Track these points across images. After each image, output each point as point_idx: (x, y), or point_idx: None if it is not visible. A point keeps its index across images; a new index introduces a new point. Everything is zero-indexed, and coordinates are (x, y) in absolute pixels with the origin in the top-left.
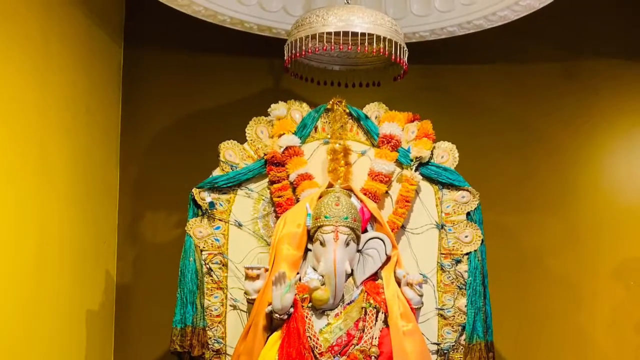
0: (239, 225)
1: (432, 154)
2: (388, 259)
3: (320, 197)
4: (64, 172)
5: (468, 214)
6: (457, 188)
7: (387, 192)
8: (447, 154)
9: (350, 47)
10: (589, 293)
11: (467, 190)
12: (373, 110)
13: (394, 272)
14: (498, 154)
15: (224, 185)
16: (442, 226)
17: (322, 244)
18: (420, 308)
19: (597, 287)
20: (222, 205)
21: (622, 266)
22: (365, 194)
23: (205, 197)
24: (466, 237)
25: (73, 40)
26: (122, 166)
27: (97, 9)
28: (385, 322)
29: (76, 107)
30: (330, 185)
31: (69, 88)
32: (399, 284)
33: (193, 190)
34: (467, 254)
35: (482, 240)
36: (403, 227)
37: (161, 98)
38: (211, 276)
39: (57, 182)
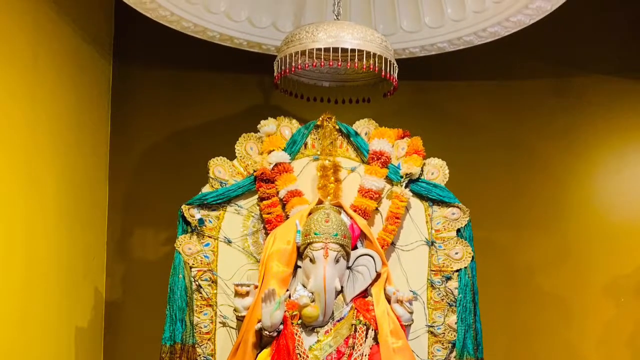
0: (229, 242)
1: (422, 170)
2: (378, 275)
3: (310, 213)
4: (53, 188)
5: (458, 230)
6: (448, 205)
7: (377, 208)
8: (437, 171)
9: (340, 63)
10: (579, 310)
11: (458, 207)
12: (363, 126)
13: (384, 289)
14: (488, 170)
15: (214, 202)
16: (432, 243)
17: (312, 260)
18: (410, 325)
19: (587, 304)
20: (211, 222)
21: (613, 283)
22: (355, 211)
23: (194, 214)
24: (456, 253)
25: (62, 57)
26: (111, 182)
27: (86, 25)
28: (375, 339)
29: (65, 124)
30: (320, 202)
31: (57, 104)
32: (389, 300)
33: (182, 206)
34: (457, 270)
35: (473, 257)
36: (393, 243)
37: (150, 114)
38: (200, 293)
39: (46, 198)
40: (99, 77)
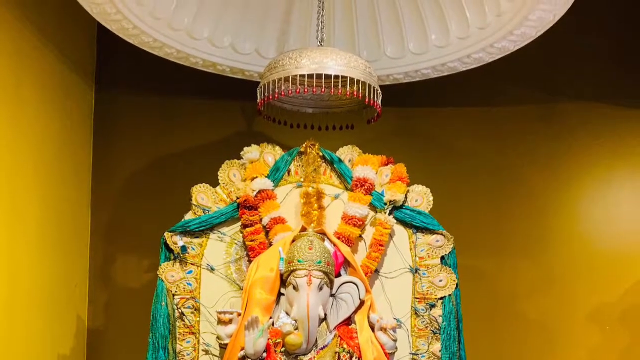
0: (211, 269)
1: (406, 197)
2: (362, 303)
3: (293, 240)
4: (35, 215)
5: (442, 257)
6: (431, 232)
7: (360, 235)
8: (421, 198)
9: (323, 89)
10: (564, 337)
11: (441, 234)
12: (346, 153)
13: (368, 317)
14: (472, 197)
15: (196, 229)
16: (416, 270)
17: (295, 288)
18: (394, 353)
19: (572, 332)
20: (194, 249)
21: (598, 310)
22: (338, 238)
23: (177, 241)
24: (440, 281)
25: (45, 84)
26: (94, 209)
27: (69, 52)
28: None
29: (48, 150)
30: (303, 229)
31: (40, 131)
32: (372, 328)
33: (165, 234)
34: (441, 298)
35: (457, 285)
36: (377, 271)
37: (133, 141)
38: (183, 321)
39: (28, 226)
40: (81, 103)
